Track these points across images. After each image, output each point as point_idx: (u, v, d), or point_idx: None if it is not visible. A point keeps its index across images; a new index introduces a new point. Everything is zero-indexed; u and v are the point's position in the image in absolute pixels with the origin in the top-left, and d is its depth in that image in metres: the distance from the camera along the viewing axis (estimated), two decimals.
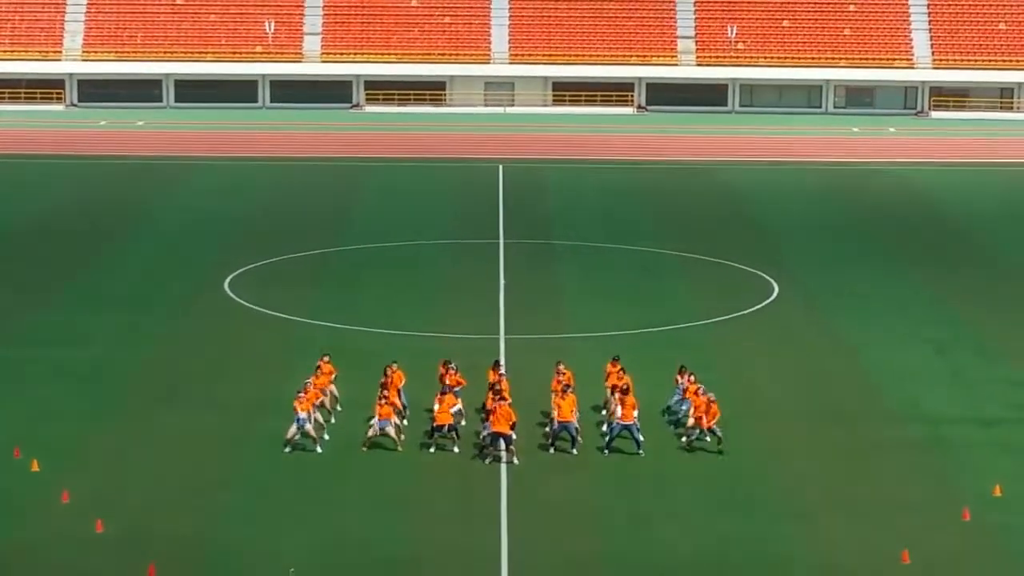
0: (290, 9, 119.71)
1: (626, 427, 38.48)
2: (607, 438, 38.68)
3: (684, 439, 38.82)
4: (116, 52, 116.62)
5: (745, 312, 53.84)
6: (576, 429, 38.65)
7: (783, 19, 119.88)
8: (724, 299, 55.66)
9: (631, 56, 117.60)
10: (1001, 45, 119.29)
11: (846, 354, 48.70)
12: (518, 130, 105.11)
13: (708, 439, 38.68)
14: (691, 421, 39.00)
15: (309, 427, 38.41)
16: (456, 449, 38.42)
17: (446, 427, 38.52)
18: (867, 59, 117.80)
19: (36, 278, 58.54)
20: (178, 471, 37.33)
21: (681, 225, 70.58)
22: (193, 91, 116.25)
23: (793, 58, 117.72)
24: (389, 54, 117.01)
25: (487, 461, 37.80)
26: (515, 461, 37.74)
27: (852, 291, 57.31)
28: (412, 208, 74.58)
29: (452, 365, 40.94)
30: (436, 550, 32.79)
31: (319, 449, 38.47)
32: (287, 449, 38.34)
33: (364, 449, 38.47)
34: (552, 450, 38.50)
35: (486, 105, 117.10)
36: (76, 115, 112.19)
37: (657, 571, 31.88)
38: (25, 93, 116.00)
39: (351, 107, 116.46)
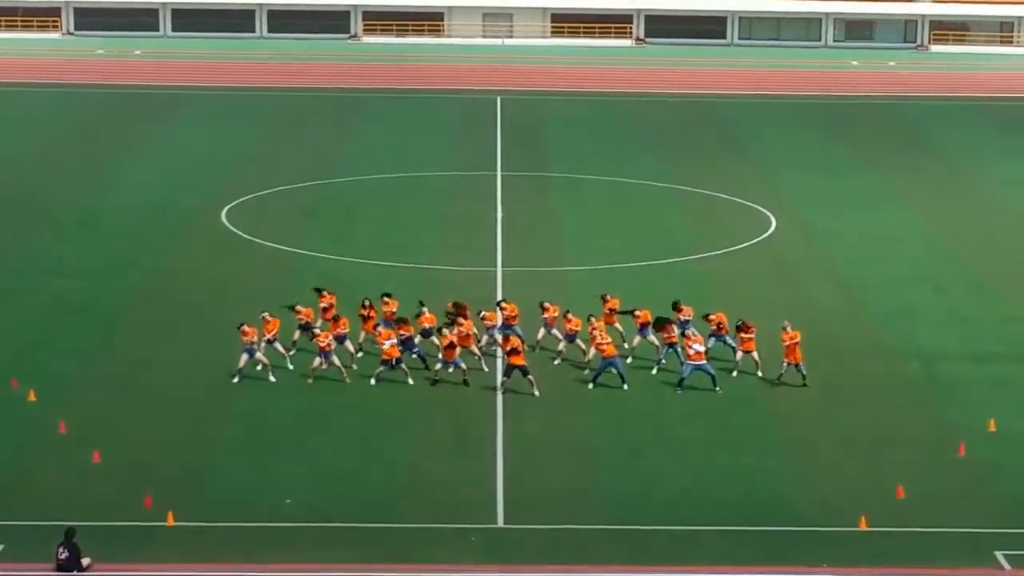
0: None
1: (610, 362, 38.55)
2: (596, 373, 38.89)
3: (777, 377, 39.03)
4: None
5: (742, 246, 53.79)
6: (622, 364, 38.85)
7: None
8: (721, 233, 55.59)
9: None
10: None
11: (843, 289, 48.69)
12: (516, 61, 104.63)
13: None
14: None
15: (259, 355, 38.56)
16: (410, 381, 38.54)
17: (393, 360, 38.58)
18: None
19: (31, 208, 58.38)
20: (175, 402, 37.40)
21: (679, 158, 70.35)
22: (190, 20, 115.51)
23: None
24: None
25: (502, 392, 37.90)
26: (536, 393, 37.82)
27: (850, 227, 57.20)
28: (409, 140, 74.31)
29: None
30: (432, 481, 32.91)
31: (272, 378, 38.66)
32: (235, 379, 38.51)
33: (309, 382, 38.61)
34: (592, 385, 38.60)
35: (484, 36, 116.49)
36: (72, 43, 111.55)
37: (651, 504, 32.00)
38: (21, 21, 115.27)
39: (349, 37, 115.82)
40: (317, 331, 39.61)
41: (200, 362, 40.22)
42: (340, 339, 39.39)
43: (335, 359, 38.62)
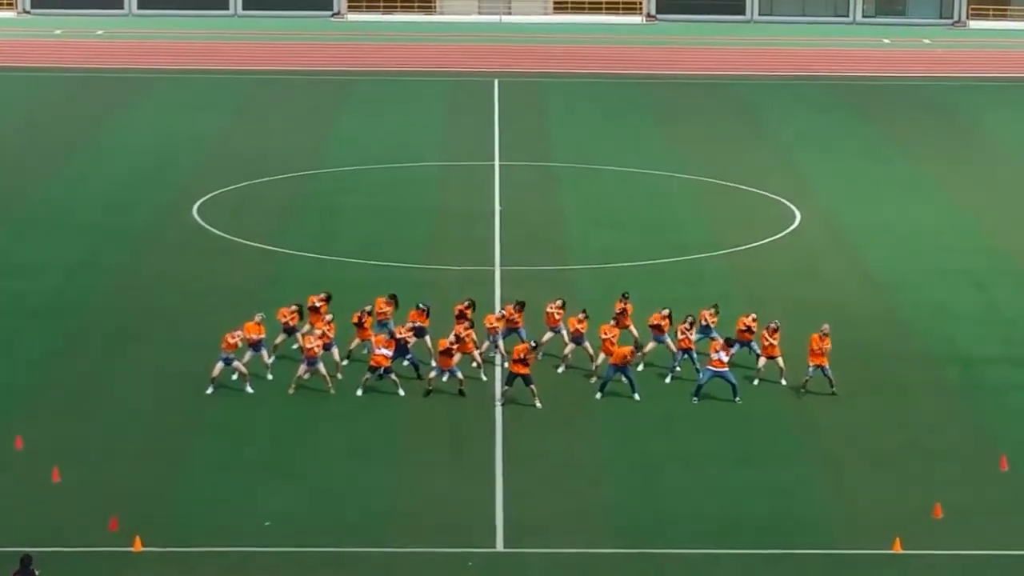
0: None
1: (620, 369, 38.47)
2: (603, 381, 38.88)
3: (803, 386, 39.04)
4: None
5: (764, 242, 53.78)
6: (633, 372, 38.84)
7: None
8: (741, 228, 55.56)
9: None
10: None
11: (874, 288, 48.68)
12: (515, 41, 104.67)
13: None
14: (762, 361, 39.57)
15: (238, 363, 38.46)
16: (401, 392, 38.50)
17: (381, 369, 38.57)
18: None
19: None
20: (143, 415, 37.36)
21: (694, 145, 70.33)
22: None
23: None
24: None
25: (502, 403, 37.89)
26: (538, 404, 37.83)
27: (882, 218, 57.19)
28: (398, 127, 74.30)
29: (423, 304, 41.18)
30: (425, 501, 32.86)
31: (249, 389, 38.58)
32: (209, 390, 38.48)
33: (291, 391, 38.57)
34: (600, 395, 38.59)
35: (480, 13, 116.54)
36: (29, 23, 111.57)
37: (665, 526, 31.96)
38: None
39: (332, 15, 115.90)
40: (316, 331, 39.11)
41: (170, 371, 40.17)
42: (326, 345, 39.33)
43: (321, 367, 38.55)
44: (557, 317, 40.89)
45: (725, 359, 38.21)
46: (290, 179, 62.94)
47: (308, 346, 38.47)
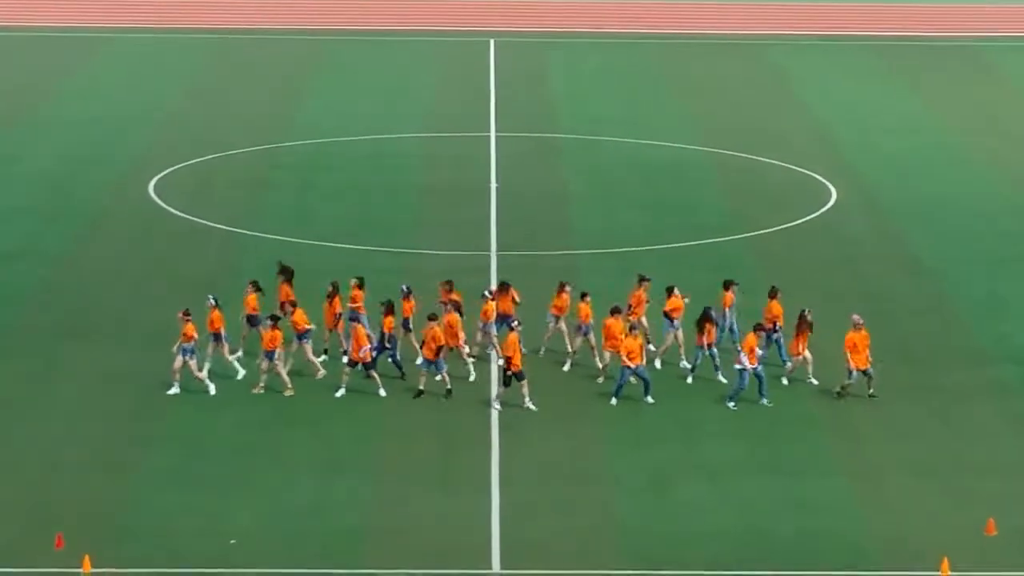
0: None
1: (635, 370, 38.55)
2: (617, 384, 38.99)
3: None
4: None
5: (796, 223, 53.82)
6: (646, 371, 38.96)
7: None
8: (770, 207, 55.62)
9: None
10: None
11: (919, 276, 48.75)
12: None
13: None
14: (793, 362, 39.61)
15: (192, 363, 38.47)
16: (382, 392, 38.62)
17: (360, 364, 38.69)
18: None
19: None
20: (90, 420, 37.42)
21: (716, 115, 70.33)
22: None
23: None
24: None
25: (497, 406, 37.93)
26: (532, 406, 37.96)
27: (927, 198, 57.23)
28: (380, 94, 74.27)
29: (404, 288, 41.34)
30: (412, 519, 32.92)
31: (212, 390, 38.70)
32: (173, 390, 38.59)
33: (255, 391, 38.71)
34: (615, 400, 38.67)
35: None
36: None
37: (682, 547, 32.05)
38: None
39: None
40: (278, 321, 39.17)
41: (120, 371, 40.21)
42: (301, 335, 39.33)
43: (278, 362, 38.47)
44: (560, 305, 40.91)
45: (759, 353, 38.30)
46: (258, 152, 62.95)
47: (268, 340, 38.41)
